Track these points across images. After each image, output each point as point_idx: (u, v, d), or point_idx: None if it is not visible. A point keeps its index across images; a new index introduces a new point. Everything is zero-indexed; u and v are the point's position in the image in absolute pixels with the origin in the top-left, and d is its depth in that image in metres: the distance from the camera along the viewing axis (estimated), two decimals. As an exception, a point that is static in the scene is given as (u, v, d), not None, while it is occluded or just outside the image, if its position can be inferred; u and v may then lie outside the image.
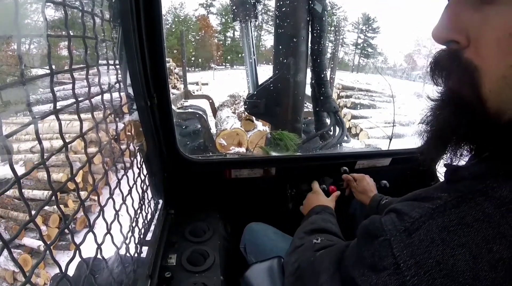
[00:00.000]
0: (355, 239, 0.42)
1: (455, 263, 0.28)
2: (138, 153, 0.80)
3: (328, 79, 1.98)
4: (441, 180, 0.38)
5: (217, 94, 5.57)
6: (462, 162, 0.36)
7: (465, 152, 0.35)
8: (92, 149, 2.56)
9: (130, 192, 0.67)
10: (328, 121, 1.99)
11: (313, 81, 1.91)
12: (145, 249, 0.77)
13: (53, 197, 0.39)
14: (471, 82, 0.30)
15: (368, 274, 0.34)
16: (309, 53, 1.91)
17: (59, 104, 0.40)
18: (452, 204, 0.30)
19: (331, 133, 1.98)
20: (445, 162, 0.36)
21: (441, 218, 0.30)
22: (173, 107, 1.33)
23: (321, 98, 1.91)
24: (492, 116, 0.30)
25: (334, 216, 0.77)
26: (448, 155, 0.35)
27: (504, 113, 0.29)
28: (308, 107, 4.10)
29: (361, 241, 0.39)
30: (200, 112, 3.79)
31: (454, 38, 0.31)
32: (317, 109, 1.99)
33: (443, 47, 0.34)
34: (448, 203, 0.31)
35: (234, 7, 2.21)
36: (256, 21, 2.26)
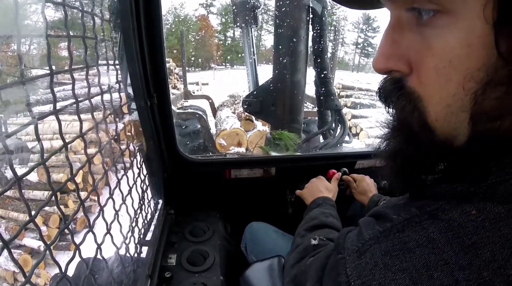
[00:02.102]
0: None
1: None
2: (138, 153, 0.80)
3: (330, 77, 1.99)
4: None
5: (217, 94, 5.57)
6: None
7: (425, 175, 0.34)
8: (92, 150, 2.57)
9: (130, 192, 0.67)
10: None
11: (316, 80, 1.92)
12: (145, 249, 0.77)
13: (53, 197, 0.39)
14: (416, 111, 0.29)
15: None
16: (310, 52, 1.92)
17: (59, 105, 0.40)
18: (397, 228, 0.30)
19: (333, 132, 1.98)
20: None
21: (385, 242, 0.30)
22: (173, 107, 1.34)
23: (323, 96, 1.91)
24: (443, 142, 0.29)
25: (334, 207, 0.77)
26: (408, 180, 0.35)
27: (456, 138, 0.28)
28: (308, 107, 4.10)
29: (334, 251, 0.41)
30: (200, 112, 3.79)
31: (393, 67, 0.30)
32: (321, 108, 2.00)
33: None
34: (394, 227, 0.31)
35: (235, 14, 2.26)
36: (256, 26, 2.30)
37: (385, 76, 0.33)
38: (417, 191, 0.34)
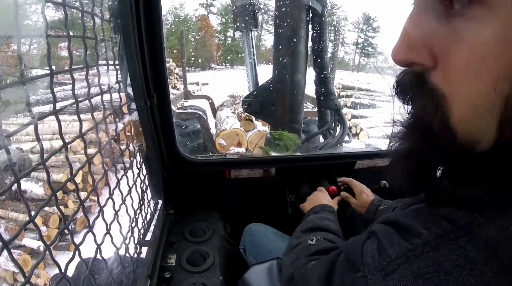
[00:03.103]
0: (343, 254, 0.40)
1: None
2: (137, 153, 0.80)
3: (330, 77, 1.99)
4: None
5: (217, 94, 5.57)
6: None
7: (441, 178, 0.32)
8: (92, 150, 2.56)
9: (129, 192, 0.67)
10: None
11: (316, 80, 1.92)
12: (144, 249, 0.77)
13: (53, 197, 0.39)
14: (438, 111, 0.26)
15: None
16: (309, 52, 1.92)
17: (59, 105, 0.40)
18: (431, 246, 0.27)
19: (332, 132, 1.98)
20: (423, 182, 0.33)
21: (416, 263, 0.27)
22: (172, 107, 1.34)
23: (323, 96, 1.91)
24: (464, 147, 0.26)
25: (333, 213, 0.76)
26: (421, 182, 0.32)
27: (478, 143, 0.26)
28: (308, 107, 4.11)
29: (345, 265, 0.37)
30: (200, 112, 3.79)
31: (416, 59, 0.27)
32: (321, 108, 2.00)
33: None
34: (427, 245, 0.27)
35: (235, 17, 2.28)
36: (256, 29, 2.32)
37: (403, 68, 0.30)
38: (433, 195, 0.32)
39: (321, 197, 0.85)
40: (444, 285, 0.25)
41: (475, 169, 0.27)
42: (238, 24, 2.31)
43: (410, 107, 0.31)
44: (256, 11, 2.25)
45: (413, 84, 0.28)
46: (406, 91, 0.30)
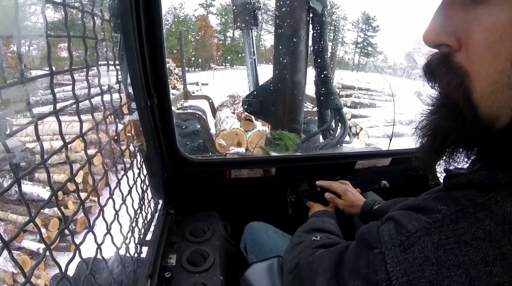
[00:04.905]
0: (353, 243, 0.41)
1: (450, 284, 0.26)
2: (138, 153, 0.80)
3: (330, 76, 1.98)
4: (441, 180, 0.37)
5: (217, 94, 5.57)
6: (463, 165, 0.35)
7: (463, 157, 0.34)
8: (92, 150, 2.56)
9: (130, 192, 0.67)
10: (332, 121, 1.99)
11: (316, 80, 1.92)
12: (145, 249, 0.77)
13: (53, 197, 0.39)
14: (462, 87, 0.29)
15: None
16: (310, 52, 1.92)
17: (59, 105, 0.40)
18: (451, 219, 0.28)
19: (333, 132, 1.97)
20: (444, 167, 0.35)
21: (437, 234, 0.28)
22: (172, 107, 1.34)
23: (323, 95, 1.91)
24: (485, 122, 0.29)
25: (333, 218, 0.77)
26: (445, 160, 0.34)
27: (498, 119, 0.28)
28: (308, 107, 4.11)
29: (358, 248, 0.38)
30: (200, 113, 3.79)
31: (444, 41, 0.30)
32: (321, 109, 1.99)
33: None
34: (447, 218, 0.29)
35: (235, 16, 2.28)
36: (256, 27, 2.32)
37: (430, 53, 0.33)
38: (452, 179, 0.33)
39: (320, 206, 0.88)
40: (464, 255, 0.26)
41: (493, 153, 0.30)
42: (238, 23, 2.31)
43: (438, 86, 0.33)
44: (256, 9, 2.24)
45: (440, 63, 0.31)
46: (434, 70, 0.33)
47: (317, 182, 0.95)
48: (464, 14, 0.28)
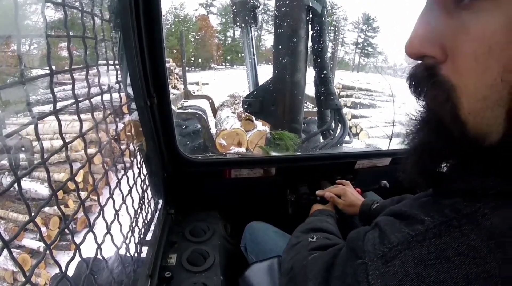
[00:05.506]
0: (345, 245, 0.40)
1: None
2: (138, 153, 0.80)
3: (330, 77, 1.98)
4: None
5: (217, 94, 5.57)
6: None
7: (452, 168, 0.32)
8: (92, 150, 2.57)
9: (130, 192, 0.67)
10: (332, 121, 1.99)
11: (316, 80, 1.92)
12: (145, 249, 0.77)
13: (53, 197, 0.39)
14: (448, 102, 0.27)
15: None
16: (309, 52, 1.92)
17: (59, 105, 0.40)
18: (434, 232, 0.27)
19: (333, 132, 1.97)
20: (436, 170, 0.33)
21: (418, 249, 0.27)
22: (173, 107, 1.34)
23: (323, 95, 1.91)
24: (473, 139, 0.27)
25: (332, 216, 0.77)
26: (432, 170, 0.33)
27: (488, 136, 0.26)
28: (308, 107, 4.10)
29: (347, 254, 0.37)
30: (200, 112, 3.79)
31: (428, 52, 0.27)
32: (321, 109, 1.99)
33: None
34: (429, 231, 0.27)
35: (235, 14, 2.28)
36: (256, 25, 2.31)
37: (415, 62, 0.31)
38: (442, 186, 0.32)
39: (319, 204, 0.88)
40: (445, 272, 0.25)
41: (484, 162, 0.28)
42: (237, 20, 2.30)
43: (423, 100, 0.31)
44: (256, 7, 2.24)
45: (424, 77, 0.29)
46: (419, 83, 0.31)
47: (317, 192, 0.94)
48: (449, 21, 0.26)
